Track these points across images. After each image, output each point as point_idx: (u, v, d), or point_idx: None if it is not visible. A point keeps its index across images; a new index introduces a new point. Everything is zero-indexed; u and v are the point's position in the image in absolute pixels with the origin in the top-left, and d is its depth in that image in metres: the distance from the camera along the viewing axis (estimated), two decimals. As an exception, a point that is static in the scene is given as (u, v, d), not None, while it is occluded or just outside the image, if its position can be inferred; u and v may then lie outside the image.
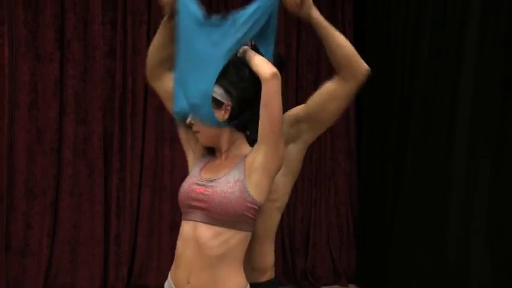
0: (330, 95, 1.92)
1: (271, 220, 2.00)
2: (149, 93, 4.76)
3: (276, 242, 2.06)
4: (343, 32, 5.28)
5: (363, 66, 1.89)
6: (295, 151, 1.99)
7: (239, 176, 1.81)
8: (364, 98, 5.10)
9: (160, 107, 4.78)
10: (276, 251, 2.05)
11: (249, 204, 1.79)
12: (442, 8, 4.13)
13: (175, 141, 4.81)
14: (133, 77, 4.72)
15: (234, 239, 1.81)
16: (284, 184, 2.00)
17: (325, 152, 5.32)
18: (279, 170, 1.83)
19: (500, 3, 3.65)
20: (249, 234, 1.85)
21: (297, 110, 2.01)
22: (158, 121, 4.80)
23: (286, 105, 2.07)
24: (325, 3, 5.19)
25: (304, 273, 5.19)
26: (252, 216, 1.82)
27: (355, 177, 5.40)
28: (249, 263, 1.94)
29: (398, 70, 4.61)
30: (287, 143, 1.97)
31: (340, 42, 1.89)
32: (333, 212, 5.36)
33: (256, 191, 1.80)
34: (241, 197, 1.79)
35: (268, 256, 1.99)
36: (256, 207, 1.81)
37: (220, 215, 1.79)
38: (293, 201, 5.18)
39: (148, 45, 5.11)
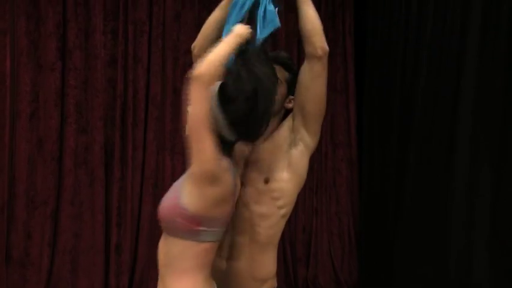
0: (302, 76, 1.94)
1: (276, 227, 1.98)
2: (150, 103, 4.76)
3: (277, 251, 2.05)
4: (344, 42, 5.35)
5: (319, 44, 1.89)
6: (298, 154, 2.00)
7: (182, 181, 1.78)
8: (366, 107, 5.11)
9: (161, 117, 4.79)
10: (277, 260, 2.04)
11: (181, 210, 1.72)
12: (442, 20, 4.15)
13: (176, 151, 4.82)
14: (135, 86, 4.72)
15: (176, 247, 1.74)
16: (290, 190, 2.00)
17: (327, 161, 5.32)
18: (205, 177, 1.69)
19: (500, 9, 3.67)
20: (197, 244, 1.73)
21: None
22: (159, 131, 4.79)
23: (287, 115, 2.09)
24: (325, 13, 5.20)
25: (306, 282, 5.17)
26: (187, 223, 1.71)
27: (356, 187, 5.39)
28: (250, 272, 1.93)
29: (399, 80, 4.62)
30: (290, 148, 1.99)
31: (309, 16, 1.90)
32: (334, 221, 5.35)
33: (188, 198, 1.71)
34: (172, 202, 1.75)
35: (269, 265, 1.98)
36: (189, 214, 1.70)
37: (160, 220, 1.79)
38: (294, 210, 5.12)
39: (149, 54, 5.13)
